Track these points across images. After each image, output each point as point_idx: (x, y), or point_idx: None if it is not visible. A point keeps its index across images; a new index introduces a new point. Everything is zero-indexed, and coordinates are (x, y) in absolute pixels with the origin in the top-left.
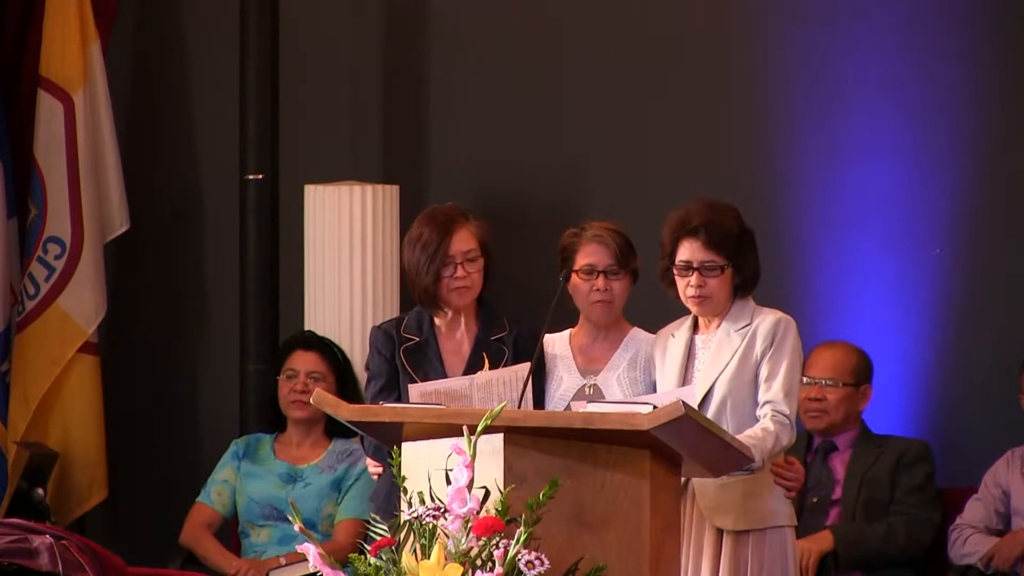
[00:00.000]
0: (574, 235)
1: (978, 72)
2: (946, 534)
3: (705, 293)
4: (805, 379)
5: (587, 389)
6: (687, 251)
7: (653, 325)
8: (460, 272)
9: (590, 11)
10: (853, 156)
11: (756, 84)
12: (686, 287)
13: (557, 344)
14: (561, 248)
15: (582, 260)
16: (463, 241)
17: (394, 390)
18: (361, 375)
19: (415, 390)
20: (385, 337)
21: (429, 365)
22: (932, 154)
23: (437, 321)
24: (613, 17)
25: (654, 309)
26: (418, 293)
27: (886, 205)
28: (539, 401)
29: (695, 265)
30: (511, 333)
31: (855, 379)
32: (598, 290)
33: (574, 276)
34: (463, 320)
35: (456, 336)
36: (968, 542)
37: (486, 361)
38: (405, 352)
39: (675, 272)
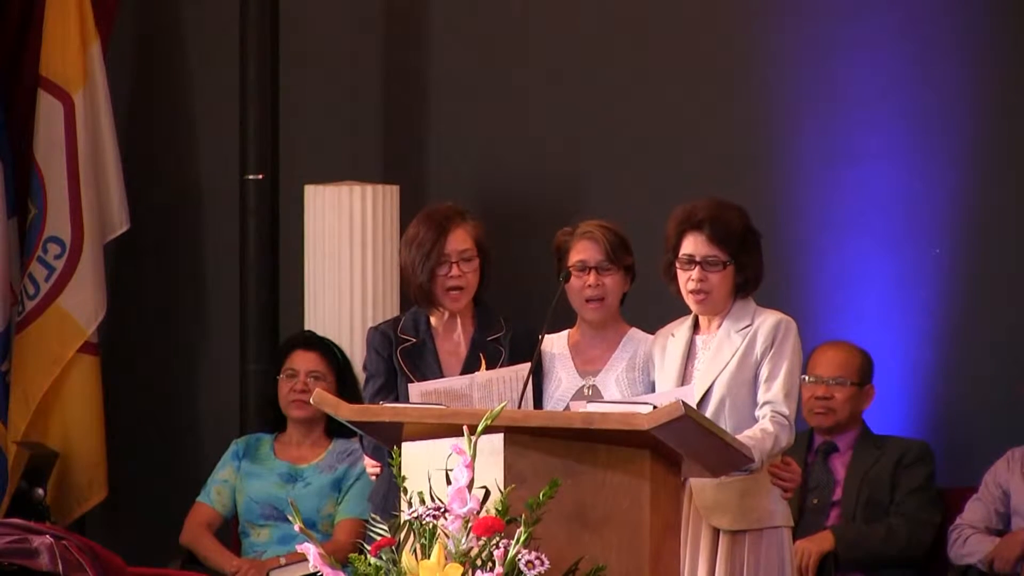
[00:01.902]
0: (567, 234)
1: (978, 73)
2: (946, 534)
3: (705, 288)
4: (811, 378)
5: (586, 390)
6: (690, 245)
7: (652, 326)
8: (455, 271)
9: (590, 11)
10: (853, 157)
11: (756, 85)
12: (687, 281)
13: (555, 344)
14: (555, 248)
15: (574, 257)
16: (459, 240)
17: (392, 390)
18: (361, 375)
19: (415, 389)
20: (382, 338)
21: (426, 366)
22: (932, 155)
23: (434, 322)
24: (613, 17)
25: (653, 310)
26: (413, 291)
27: (886, 205)
28: (537, 401)
29: (697, 259)
30: (507, 333)
31: (860, 379)
32: (590, 286)
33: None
34: (459, 321)
35: (453, 337)
36: (968, 542)
37: (483, 362)
38: (402, 353)
39: (677, 266)
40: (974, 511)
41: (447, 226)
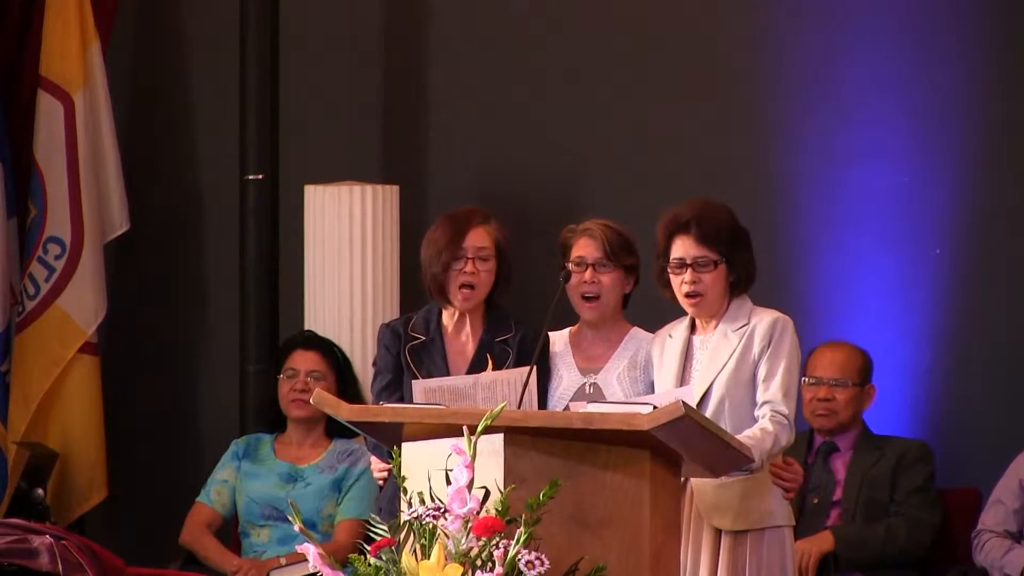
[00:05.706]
0: (570, 231)
1: (978, 73)
2: (945, 534)
3: (700, 290)
4: (812, 379)
5: (587, 388)
6: (680, 248)
7: (653, 326)
8: (469, 267)
9: (590, 11)
10: (853, 156)
11: (756, 84)
12: (680, 284)
13: (558, 342)
14: (559, 246)
15: (573, 254)
16: (477, 238)
17: (399, 387)
18: (361, 375)
19: (419, 386)
20: (392, 335)
21: (433, 364)
22: (932, 154)
23: (445, 320)
24: (613, 17)
25: (654, 310)
26: (428, 282)
27: (886, 205)
28: (543, 401)
29: (688, 261)
30: (517, 335)
31: (861, 379)
32: (585, 282)
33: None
34: (469, 321)
35: (462, 337)
36: (985, 547)
37: (490, 362)
38: (410, 351)
39: (669, 271)
40: (992, 514)
41: (467, 225)
